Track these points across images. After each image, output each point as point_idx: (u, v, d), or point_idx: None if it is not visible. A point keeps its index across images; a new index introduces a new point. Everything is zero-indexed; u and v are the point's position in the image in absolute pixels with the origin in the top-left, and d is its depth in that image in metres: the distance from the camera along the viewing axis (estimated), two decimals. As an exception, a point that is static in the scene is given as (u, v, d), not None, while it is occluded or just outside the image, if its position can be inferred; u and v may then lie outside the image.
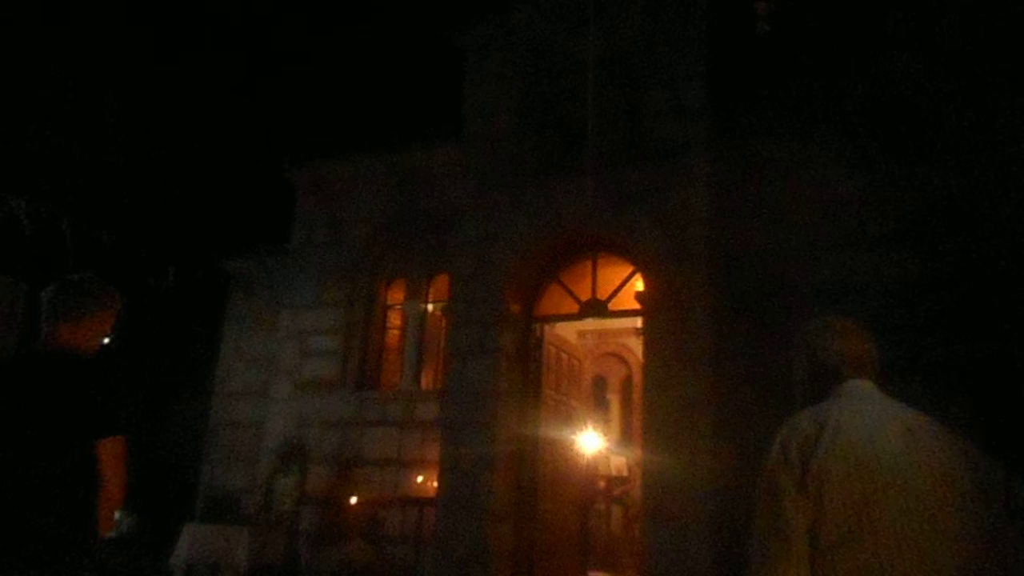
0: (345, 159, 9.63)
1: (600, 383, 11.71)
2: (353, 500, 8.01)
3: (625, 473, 10.10)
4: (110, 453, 2.33)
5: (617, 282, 7.38)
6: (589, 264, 7.52)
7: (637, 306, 6.99)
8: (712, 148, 6.77)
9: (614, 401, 11.60)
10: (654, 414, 6.44)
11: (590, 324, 9.79)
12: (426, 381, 8.75)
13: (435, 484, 7.13)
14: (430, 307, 8.98)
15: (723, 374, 6.22)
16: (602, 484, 9.88)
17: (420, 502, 7.22)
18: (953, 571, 1.52)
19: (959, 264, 5.68)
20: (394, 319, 9.32)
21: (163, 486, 10.94)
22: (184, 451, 10.34)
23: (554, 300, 7.71)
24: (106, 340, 2.63)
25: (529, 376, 7.44)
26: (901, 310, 5.59)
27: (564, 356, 8.10)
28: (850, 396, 1.75)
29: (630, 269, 7.24)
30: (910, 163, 6.06)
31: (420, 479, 7.68)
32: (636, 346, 10.35)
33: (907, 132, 6.13)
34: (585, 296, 7.47)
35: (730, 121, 6.80)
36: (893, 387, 1.79)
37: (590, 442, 9.56)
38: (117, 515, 14.95)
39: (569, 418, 8.05)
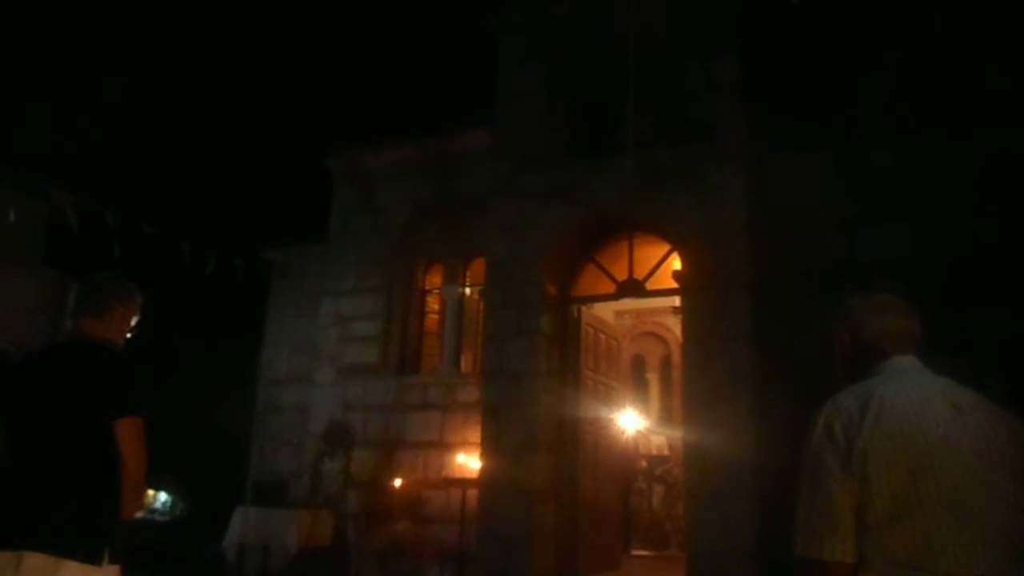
0: (380, 147, 9.72)
1: (639, 363, 11.70)
2: (397, 482, 8.16)
3: (666, 452, 10.11)
4: (128, 433, 2.44)
5: (654, 261, 7.35)
6: (625, 244, 7.51)
7: (675, 285, 6.97)
8: (747, 124, 6.69)
9: (653, 380, 11.58)
10: (694, 392, 6.44)
11: (627, 304, 9.77)
12: (466, 364, 8.84)
13: (478, 465, 7.23)
14: (468, 290, 9.05)
15: (763, 351, 6.19)
16: (643, 463, 9.92)
17: (463, 483, 7.32)
18: (1002, 548, 1.51)
19: (1001, 239, 5.55)
20: (432, 303, 9.42)
21: (214, 470, 11.23)
22: (233, 436, 10.59)
23: (591, 281, 7.72)
24: (129, 335, 2.76)
25: (568, 357, 7.47)
26: (942, 285, 5.49)
27: (602, 336, 8.12)
28: (895, 373, 1.73)
29: (667, 248, 7.21)
30: (952, 136, 5.92)
31: (463, 460, 7.79)
32: (674, 325, 10.32)
33: (949, 104, 5.98)
34: (622, 276, 7.46)
35: (765, 95, 6.71)
36: (937, 363, 1.77)
37: (630, 422, 9.60)
38: (165, 497, 15.37)
39: (608, 398, 8.08)
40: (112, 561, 2.38)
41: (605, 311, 8.95)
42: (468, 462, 7.66)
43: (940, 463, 1.54)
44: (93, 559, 2.32)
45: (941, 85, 6.06)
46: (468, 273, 9.11)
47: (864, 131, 6.33)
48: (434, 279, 9.45)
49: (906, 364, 1.76)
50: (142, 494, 2.63)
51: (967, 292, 5.50)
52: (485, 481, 6.98)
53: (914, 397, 1.63)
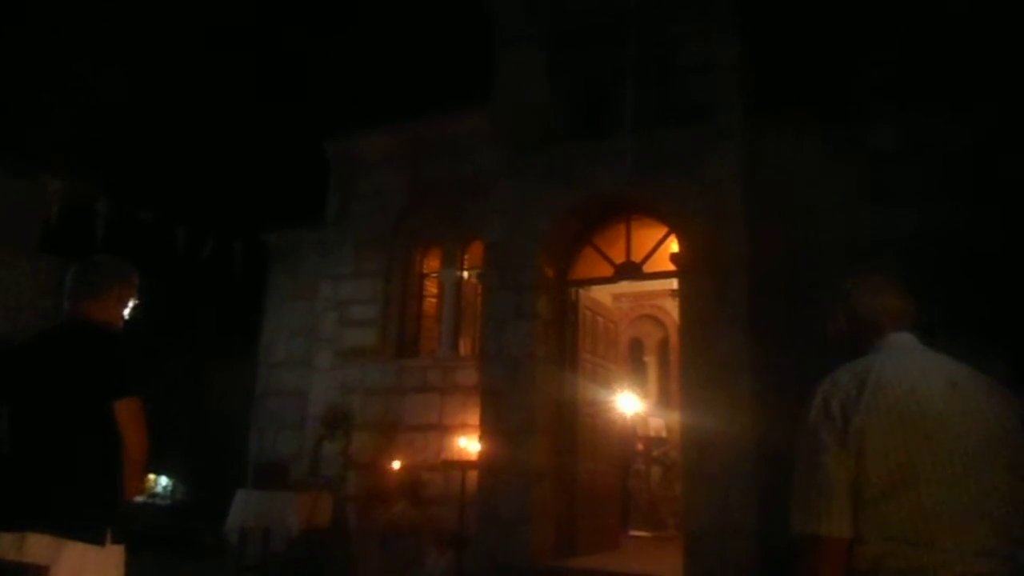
0: (377, 130, 9.69)
1: (637, 346, 11.71)
2: (397, 464, 8.20)
3: (664, 434, 10.16)
4: (127, 414, 2.45)
5: (651, 244, 7.34)
6: (623, 227, 7.49)
7: (672, 267, 6.96)
8: (746, 104, 6.66)
9: (651, 363, 11.61)
10: (692, 375, 6.45)
11: (625, 287, 9.76)
12: (464, 347, 8.86)
13: (477, 447, 7.26)
14: (466, 274, 9.04)
15: (761, 332, 6.20)
16: (640, 446, 9.97)
17: (462, 465, 7.35)
18: (998, 523, 1.52)
19: (1002, 218, 5.55)
20: (431, 287, 9.42)
21: (214, 454, 11.28)
22: (233, 420, 10.63)
23: (588, 264, 7.71)
24: (127, 314, 2.76)
25: (565, 340, 7.48)
26: (943, 266, 5.49)
27: (600, 320, 8.13)
28: (892, 349, 1.74)
29: (664, 230, 7.20)
30: (950, 113, 5.90)
31: (462, 442, 7.82)
32: (672, 308, 10.32)
33: (951, 82, 5.95)
34: (619, 259, 7.45)
35: (764, 75, 6.68)
36: (937, 342, 1.78)
37: (628, 404, 9.63)
38: (166, 481, 15.44)
39: (606, 381, 8.10)
40: (115, 541, 2.40)
41: (603, 294, 8.95)
42: (467, 444, 7.70)
43: (936, 439, 1.55)
44: (96, 539, 2.34)
45: (943, 63, 6.03)
46: (466, 256, 9.10)
47: (864, 111, 6.31)
48: (432, 262, 9.45)
49: (903, 341, 1.77)
50: (143, 475, 2.64)
51: (967, 272, 5.51)
52: (484, 463, 7.01)
53: (911, 373, 1.64)
